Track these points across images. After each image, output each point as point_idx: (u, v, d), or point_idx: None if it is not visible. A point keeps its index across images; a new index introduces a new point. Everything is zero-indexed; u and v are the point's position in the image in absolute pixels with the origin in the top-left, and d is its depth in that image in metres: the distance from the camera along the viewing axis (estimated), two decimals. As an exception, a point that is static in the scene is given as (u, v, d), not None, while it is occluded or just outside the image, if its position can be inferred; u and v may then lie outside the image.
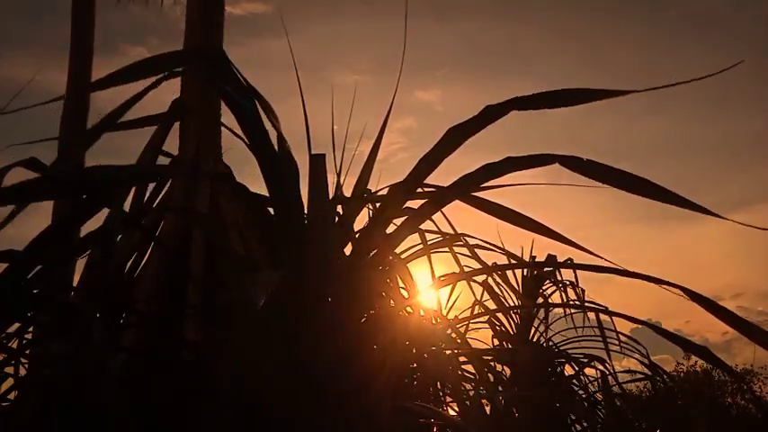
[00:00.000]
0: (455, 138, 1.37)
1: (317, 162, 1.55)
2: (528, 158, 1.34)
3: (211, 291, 2.01)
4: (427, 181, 1.52)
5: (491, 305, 3.78)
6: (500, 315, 4.14)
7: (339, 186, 1.83)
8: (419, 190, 1.61)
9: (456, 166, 1.45)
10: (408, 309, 1.94)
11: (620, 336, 3.82)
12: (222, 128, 2.53)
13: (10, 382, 1.76)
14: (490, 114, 1.34)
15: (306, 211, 1.52)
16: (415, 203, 1.77)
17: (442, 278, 2.53)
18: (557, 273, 4.18)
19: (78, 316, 1.67)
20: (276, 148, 1.45)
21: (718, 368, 1.49)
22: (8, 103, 1.59)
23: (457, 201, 1.55)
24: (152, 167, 1.48)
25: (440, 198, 1.52)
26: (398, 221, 1.63)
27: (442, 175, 1.49)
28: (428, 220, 2.10)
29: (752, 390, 7.76)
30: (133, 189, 2.28)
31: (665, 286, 1.27)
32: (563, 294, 4.19)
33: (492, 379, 2.65)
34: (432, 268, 2.44)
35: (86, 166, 1.96)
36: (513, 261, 3.29)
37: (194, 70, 2.26)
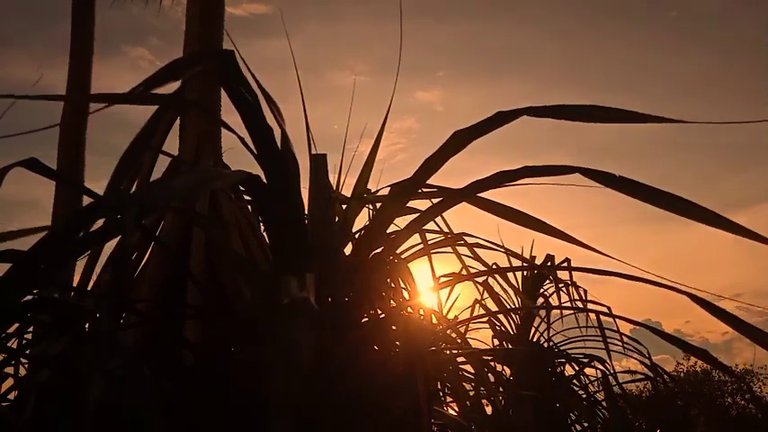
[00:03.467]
0: (460, 141, 1.36)
1: (319, 162, 1.55)
2: (546, 168, 1.31)
3: (213, 292, 2.01)
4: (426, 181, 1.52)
5: (491, 305, 3.78)
6: (500, 315, 4.14)
7: (339, 186, 1.83)
8: (421, 190, 1.60)
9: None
10: (409, 309, 1.94)
11: (621, 336, 3.83)
12: (222, 128, 2.54)
13: (10, 382, 1.76)
14: (500, 120, 1.32)
15: (306, 211, 1.52)
16: (415, 203, 1.77)
17: (442, 278, 2.53)
18: (557, 272, 4.18)
19: (78, 316, 1.67)
20: (279, 147, 1.45)
21: (718, 369, 1.48)
22: (7, 109, 1.59)
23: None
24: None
25: (448, 200, 1.51)
26: (400, 221, 1.63)
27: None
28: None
29: (751, 389, 7.75)
30: (134, 188, 2.28)
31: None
32: (563, 294, 4.19)
33: (492, 379, 2.65)
34: (432, 268, 2.43)
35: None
36: (513, 259, 3.28)
37: (200, 71, 2.26)
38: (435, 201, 1.56)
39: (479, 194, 1.45)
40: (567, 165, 1.28)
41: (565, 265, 3.93)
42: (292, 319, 0.95)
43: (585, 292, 4.06)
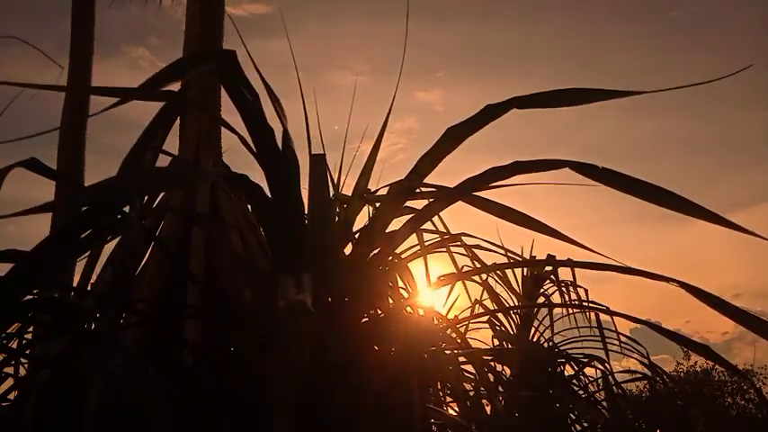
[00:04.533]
0: (455, 137, 1.37)
1: (318, 162, 1.55)
2: (537, 163, 1.31)
3: (213, 292, 2.01)
4: (426, 180, 1.52)
5: (491, 305, 3.78)
6: (500, 315, 4.14)
7: (339, 186, 1.83)
8: (418, 190, 1.61)
9: (447, 162, 1.43)
10: (409, 309, 1.94)
11: (620, 336, 3.83)
12: (222, 128, 2.54)
13: (10, 382, 1.76)
14: (490, 113, 1.33)
15: (306, 211, 1.52)
16: (414, 203, 1.77)
17: (441, 278, 2.53)
18: (557, 272, 4.18)
19: (78, 316, 1.67)
20: (280, 146, 1.45)
21: (719, 365, 1.48)
22: (7, 106, 1.59)
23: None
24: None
25: (444, 198, 1.51)
26: (399, 221, 1.63)
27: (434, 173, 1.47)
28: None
29: (753, 384, 7.74)
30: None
31: (665, 283, 1.27)
32: (563, 294, 4.19)
33: (492, 379, 2.65)
34: (427, 269, 2.43)
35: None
36: (512, 260, 3.29)
37: (201, 71, 2.26)
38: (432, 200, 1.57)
39: (477, 194, 1.45)
40: (556, 159, 1.28)
41: (565, 262, 3.93)
42: (289, 319, 0.95)
43: (587, 291, 4.06)
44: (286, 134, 1.48)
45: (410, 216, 1.57)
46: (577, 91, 1.31)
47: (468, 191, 1.42)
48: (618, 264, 1.31)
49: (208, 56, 2.01)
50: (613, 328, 3.79)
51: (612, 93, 1.28)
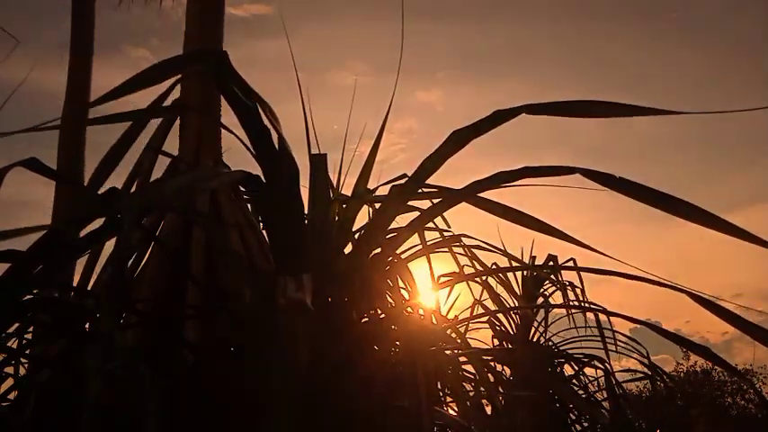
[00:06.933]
0: (459, 140, 1.36)
1: (318, 162, 1.55)
2: (546, 168, 1.31)
3: (213, 292, 2.01)
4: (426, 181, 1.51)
5: (491, 305, 3.78)
6: (500, 315, 4.14)
7: (339, 186, 1.83)
8: (421, 190, 1.60)
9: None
10: (409, 309, 1.94)
11: (620, 336, 3.83)
12: (222, 128, 2.54)
13: (10, 382, 1.76)
14: (498, 118, 1.32)
15: (306, 211, 1.52)
16: (415, 203, 1.77)
17: (442, 278, 2.53)
18: (557, 273, 4.18)
19: (78, 316, 1.67)
20: (276, 147, 1.45)
21: (720, 366, 1.48)
22: (4, 103, 1.59)
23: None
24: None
25: (447, 200, 1.51)
26: (400, 222, 1.63)
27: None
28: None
29: (753, 385, 7.75)
30: (133, 188, 2.29)
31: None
32: (563, 295, 4.19)
33: (492, 379, 2.65)
34: (431, 269, 2.43)
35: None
36: (513, 262, 3.29)
37: (197, 71, 2.26)
38: (435, 201, 1.57)
39: (479, 194, 1.45)
40: (566, 165, 1.28)
41: (567, 265, 3.94)
42: (289, 319, 0.95)
43: (583, 291, 4.06)
44: (280, 137, 1.48)
45: (411, 216, 1.57)
46: (588, 103, 1.29)
47: (474, 193, 1.41)
48: (621, 271, 1.31)
49: (199, 56, 2.01)
50: (614, 328, 3.79)
51: (623, 109, 1.26)
